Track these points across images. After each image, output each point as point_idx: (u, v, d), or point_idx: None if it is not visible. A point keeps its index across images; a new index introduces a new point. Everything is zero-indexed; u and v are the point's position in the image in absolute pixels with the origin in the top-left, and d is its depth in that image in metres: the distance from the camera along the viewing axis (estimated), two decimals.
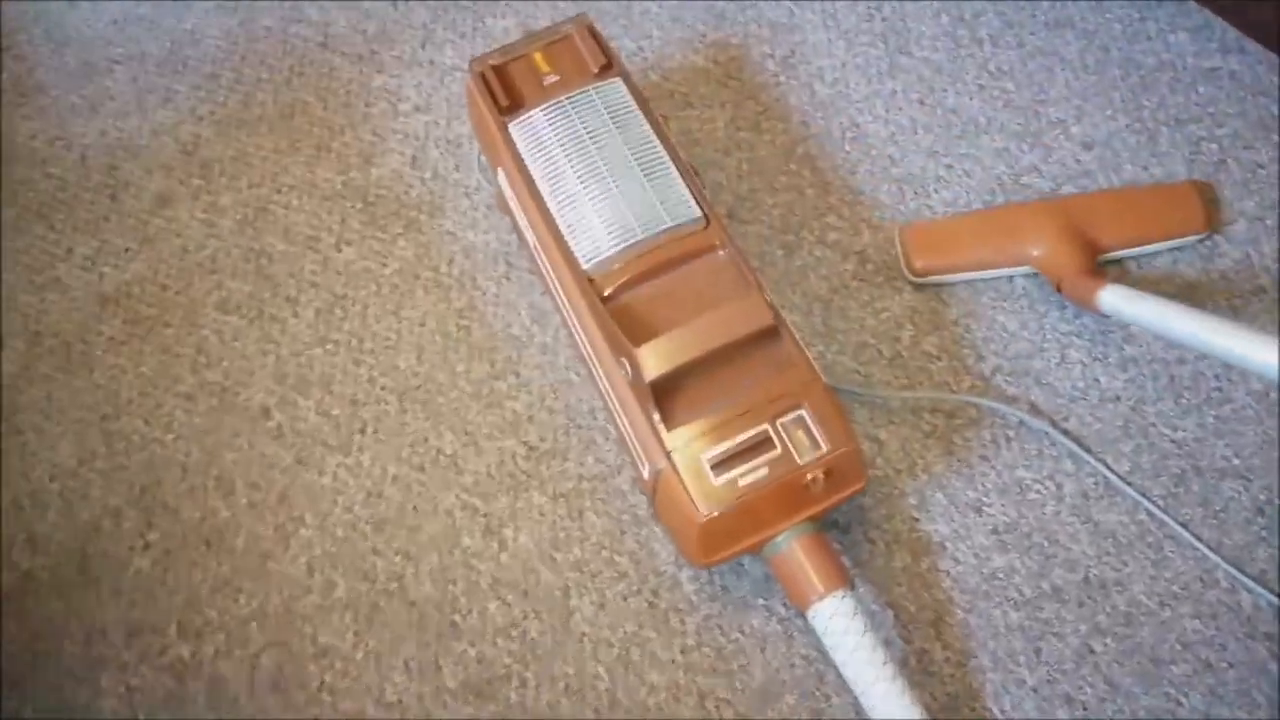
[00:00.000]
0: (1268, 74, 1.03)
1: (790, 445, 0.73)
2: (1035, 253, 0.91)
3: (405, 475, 0.91)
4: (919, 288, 0.95)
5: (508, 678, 0.83)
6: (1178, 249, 0.94)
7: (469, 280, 1.00)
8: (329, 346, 0.98)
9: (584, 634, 0.84)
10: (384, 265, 1.02)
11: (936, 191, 1.00)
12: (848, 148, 1.04)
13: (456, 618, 0.85)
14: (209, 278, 1.02)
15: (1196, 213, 0.93)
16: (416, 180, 1.06)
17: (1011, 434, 0.88)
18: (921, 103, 1.05)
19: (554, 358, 0.95)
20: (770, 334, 0.76)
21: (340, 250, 1.03)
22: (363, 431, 0.93)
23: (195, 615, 0.87)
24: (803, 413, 0.74)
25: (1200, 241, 0.94)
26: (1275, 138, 0.99)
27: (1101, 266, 0.92)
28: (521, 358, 0.96)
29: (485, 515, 0.89)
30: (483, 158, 1.01)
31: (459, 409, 0.94)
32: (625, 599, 0.85)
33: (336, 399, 0.95)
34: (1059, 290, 0.90)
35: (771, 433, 0.73)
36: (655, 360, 0.74)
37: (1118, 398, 0.89)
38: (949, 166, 1.01)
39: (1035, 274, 0.93)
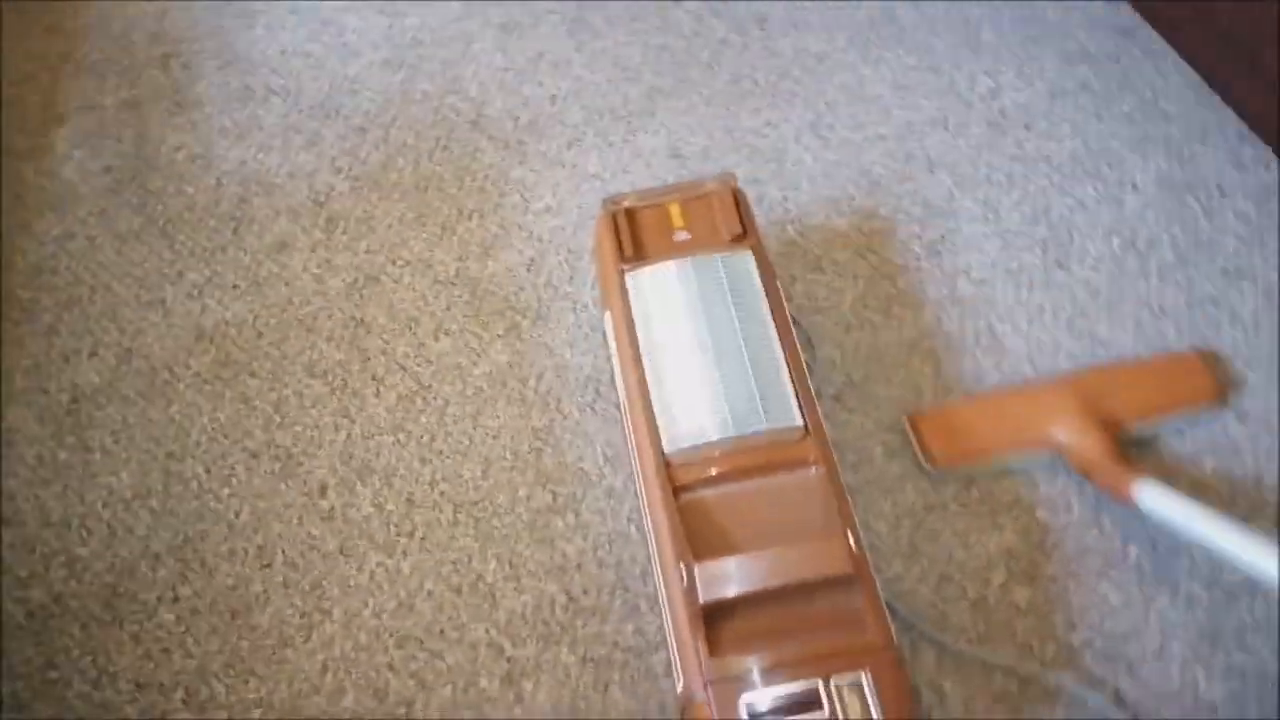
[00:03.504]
0: None
1: (840, 710, 0.67)
2: (1058, 437, 0.88)
3: (440, 594, 0.88)
4: (1024, 530, 0.88)
5: None
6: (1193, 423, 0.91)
7: (554, 401, 0.97)
8: (400, 436, 0.95)
9: None
10: (475, 365, 0.99)
11: None
12: (979, 355, 0.97)
13: None
14: (305, 335, 1.02)
15: (1206, 382, 0.92)
16: (529, 283, 1.04)
17: None
18: (1069, 326, 0.98)
19: (619, 505, 0.91)
20: (847, 582, 0.70)
21: (438, 339, 1.01)
22: (410, 535, 0.91)
23: (204, 686, 0.85)
24: (863, 678, 0.68)
25: (1215, 412, 0.91)
26: None
27: (1129, 451, 0.88)
28: (586, 497, 0.92)
29: (509, 660, 0.85)
30: (600, 295, 0.98)
31: (510, 537, 0.90)
32: None
33: (394, 494, 0.93)
34: (1086, 477, 0.87)
35: (822, 692, 0.67)
36: (713, 584, 0.69)
37: (1215, 708, 0.80)
38: None
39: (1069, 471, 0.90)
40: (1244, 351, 0.96)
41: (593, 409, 0.96)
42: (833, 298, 1.02)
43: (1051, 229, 1.04)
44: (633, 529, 0.90)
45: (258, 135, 1.16)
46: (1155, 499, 0.81)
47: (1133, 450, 0.88)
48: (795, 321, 0.97)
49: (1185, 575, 0.85)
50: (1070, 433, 0.88)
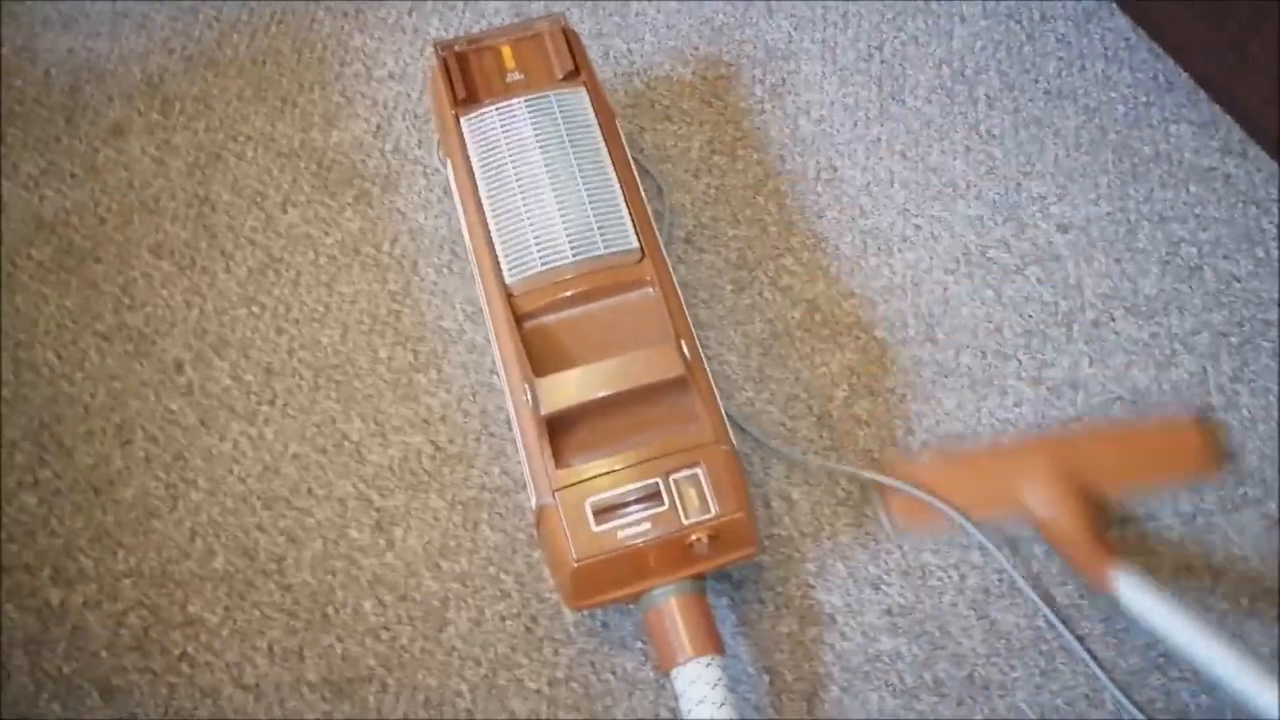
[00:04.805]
0: (1265, 183, 0.99)
1: (679, 503, 0.70)
2: (1032, 507, 0.82)
3: (305, 455, 0.89)
4: (863, 348, 0.92)
5: (369, 679, 0.81)
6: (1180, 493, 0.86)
7: (410, 264, 0.97)
8: (254, 309, 0.95)
9: (454, 649, 0.82)
10: (326, 234, 0.99)
11: (900, 252, 0.97)
12: (820, 190, 1.00)
13: (330, 610, 0.83)
14: (149, 218, 1.00)
15: (1199, 454, 0.85)
16: (376, 150, 1.03)
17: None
18: (904, 155, 1.02)
19: (480, 358, 0.93)
20: (680, 386, 0.73)
21: (285, 211, 1.00)
22: (271, 403, 0.91)
23: (70, 562, 0.85)
24: (698, 471, 0.71)
25: (1207, 482, 0.86)
26: (1259, 252, 0.96)
27: (1109, 528, 0.83)
28: (447, 353, 0.93)
29: (378, 510, 0.87)
30: (439, 143, 0.98)
31: (373, 396, 0.91)
32: (503, 620, 0.83)
33: (252, 364, 0.93)
34: (1060, 556, 0.82)
35: (662, 487, 0.71)
36: (553, 395, 0.71)
37: None
38: (917, 227, 0.98)
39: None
40: (1065, 165, 1.00)
41: (449, 269, 0.97)
42: (680, 145, 1.03)
43: (885, 64, 1.07)
44: (495, 379, 0.92)
45: (84, 24, 1.12)
46: (1135, 593, 0.75)
47: (1114, 526, 0.83)
48: (644, 169, 0.99)
49: (1014, 378, 0.91)
50: (1044, 503, 0.81)
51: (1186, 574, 0.82)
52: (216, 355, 0.93)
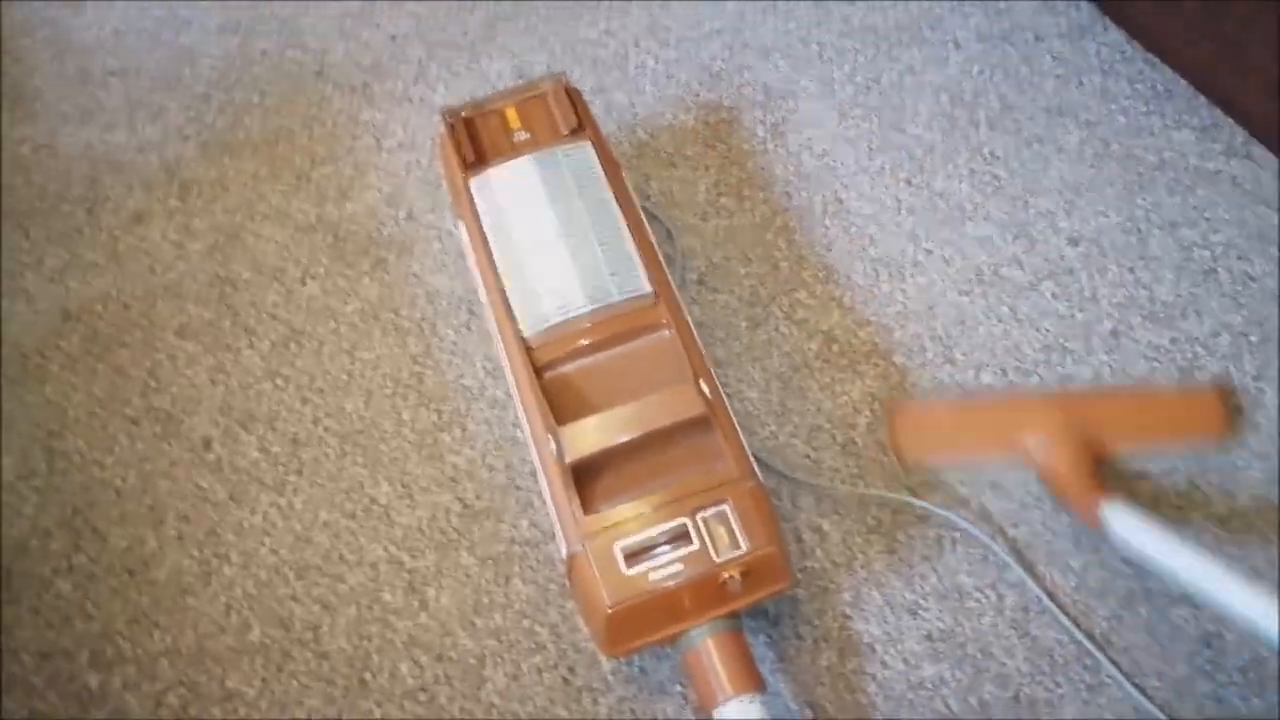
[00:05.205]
0: (1271, 181, 0.99)
1: (709, 541, 0.70)
2: (1031, 448, 0.84)
3: (335, 522, 0.89)
4: (882, 374, 0.92)
5: None
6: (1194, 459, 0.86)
7: (429, 326, 0.98)
8: (279, 381, 0.96)
9: (493, 705, 0.81)
10: (346, 304, 1.00)
11: (912, 277, 0.97)
12: (828, 223, 1.01)
13: (367, 675, 0.83)
14: (172, 301, 1.02)
15: (1217, 419, 0.86)
16: (390, 219, 1.05)
17: (957, 536, 0.85)
18: (909, 182, 1.02)
19: (503, 413, 0.93)
20: (702, 424, 0.73)
21: (305, 284, 1.02)
22: (299, 473, 0.92)
23: (108, 645, 0.85)
24: (726, 508, 0.71)
25: (1218, 449, 0.86)
26: (1272, 250, 0.95)
27: (1104, 473, 0.83)
28: (470, 410, 0.94)
29: (410, 572, 0.87)
30: (452, 207, 1.00)
31: (399, 459, 0.92)
32: (540, 672, 0.82)
33: (278, 436, 0.94)
34: (1055, 496, 0.84)
35: (690, 527, 0.70)
36: (577, 443, 0.72)
37: None
38: (928, 251, 0.98)
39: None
40: (1070, 180, 1.01)
41: (468, 328, 0.98)
42: (687, 190, 1.04)
43: (884, 95, 1.08)
44: (519, 433, 0.92)
45: (101, 116, 1.15)
46: (1125, 525, 0.76)
47: (1113, 476, 0.84)
48: (653, 215, 1.01)
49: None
50: (1043, 446, 0.83)
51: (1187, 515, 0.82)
52: (243, 430, 0.94)
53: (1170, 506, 0.84)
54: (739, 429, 0.77)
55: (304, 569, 0.87)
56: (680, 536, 0.70)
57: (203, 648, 0.85)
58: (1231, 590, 0.69)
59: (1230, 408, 0.87)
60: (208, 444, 0.94)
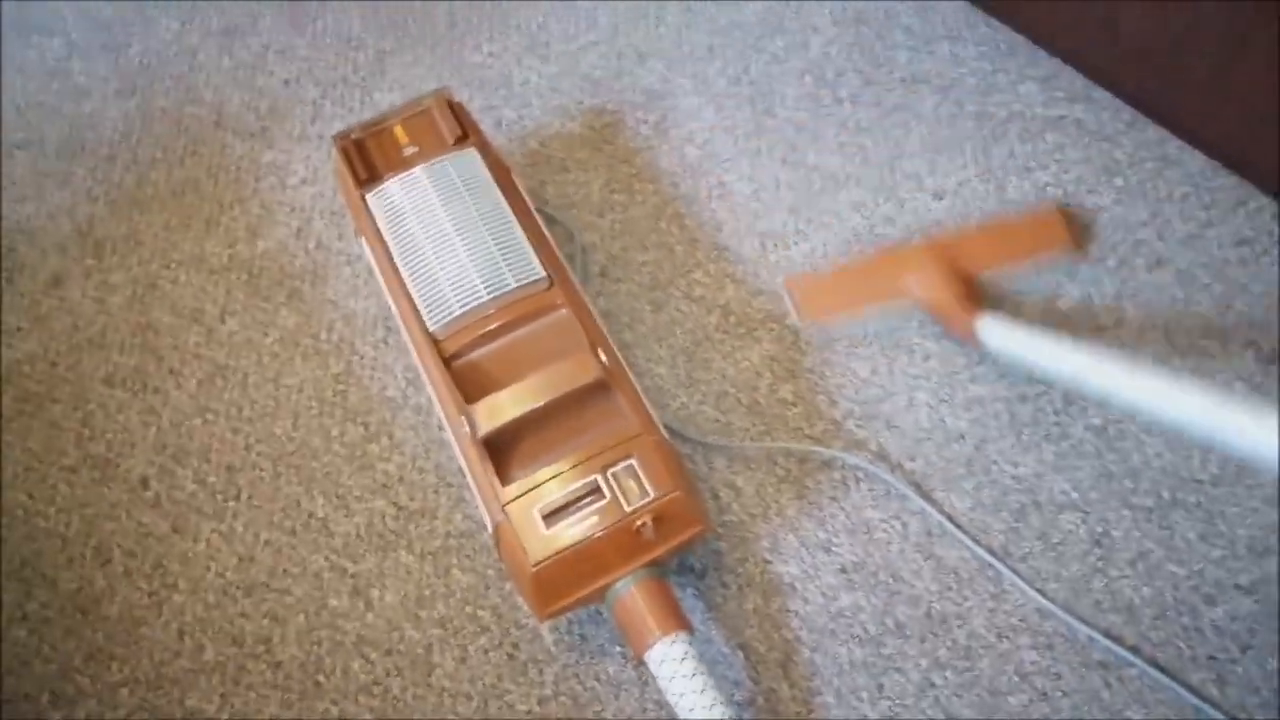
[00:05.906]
0: (1111, 119, 1.07)
1: (619, 493, 0.75)
2: (913, 289, 0.95)
3: (276, 539, 0.93)
4: (778, 337, 0.98)
5: None
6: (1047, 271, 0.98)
7: (347, 346, 1.03)
8: (209, 416, 1.00)
9: (444, 689, 0.85)
10: (265, 335, 1.05)
11: (796, 244, 1.04)
12: (714, 206, 1.08)
13: (320, 677, 0.87)
14: (97, 353, 1.05)
15: (1063, 233, 0.98)
16: (301, 250, 1.10)
17: (860, 475, 0.91)
18: (784, 161, 1.09)
19: (427, 418, 0.98)
20: (601, 389, 0.78)
21: (224, 322, 1.06)
22: (237, 498, 0.95)
23: (68, 684, 0.88)
24: (632, 462, 0.76)
25: (1071, 261, 0.98)
26: (1118, 181, 1.04)
27: (980, 298, 0.94)
28: (395, 419, 0.98)
29: (353, 576, 0.91)
30: (354, 226, 1.04)
31: (331, 472, 0.96)
32: (486, 652, 0.86)
33: (213, 467, 0.97)
34: (942, 325, 0.95)
35: (601, 482, 0.76)
36: (487, 417, 0.77)
37: (962, 437, 0.92)
38: (809, 220, 1.05)
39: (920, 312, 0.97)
40: (931, 141, 1.09)
41: (385, 343, 1.03)
42: (581, 191, 1.10)
43: (754, 84, 1.15)
44: (443, 435, 0.97)
45: (10, 190, 1.18)
46: (997, 335, 0.86)
47: (987, 299, 0.95)
48: (552, 218, 1.06)
49: (917, 336, 0.97)
50: (923, 284, 0.94)
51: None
52: (179, 465, 0.98)
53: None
54: (640, 391, 0.83)
55: (251, 587, 0.91)
56: (593, 492, 0.75)
57: (160, 673, 0.88)
58: (1105, 372, 0.75)
59: (1072, 223, 0.99)
60: (145, 483, 0.97)
